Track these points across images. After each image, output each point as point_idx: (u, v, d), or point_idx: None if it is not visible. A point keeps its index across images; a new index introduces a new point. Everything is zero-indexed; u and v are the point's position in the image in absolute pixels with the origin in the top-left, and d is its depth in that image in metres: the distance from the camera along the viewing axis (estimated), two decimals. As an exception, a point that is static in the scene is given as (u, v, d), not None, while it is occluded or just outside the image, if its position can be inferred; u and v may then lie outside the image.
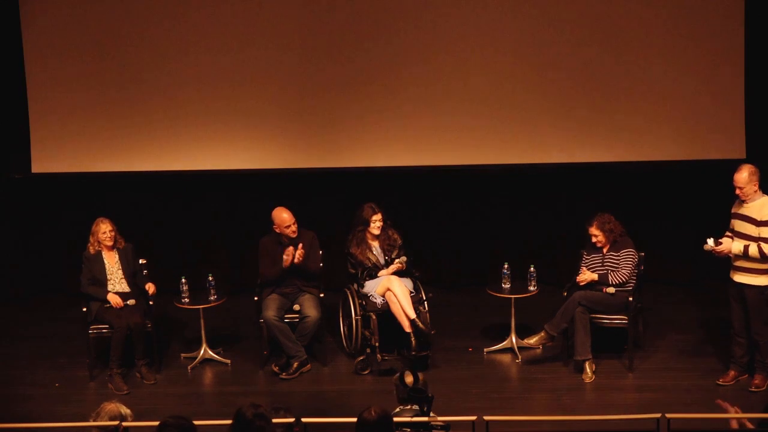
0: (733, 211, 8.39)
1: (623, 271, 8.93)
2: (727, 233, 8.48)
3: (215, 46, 10.28)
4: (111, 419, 6.17)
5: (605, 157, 10.38)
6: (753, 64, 10.14)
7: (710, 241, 8.32)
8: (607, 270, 8.97)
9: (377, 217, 9.27)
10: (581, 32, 10.18)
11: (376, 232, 9.29)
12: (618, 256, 8.98)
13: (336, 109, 10.38)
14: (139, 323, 9.01)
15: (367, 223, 9.28)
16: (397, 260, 9.30)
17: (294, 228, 9.15)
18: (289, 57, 10.30)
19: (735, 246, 8.23)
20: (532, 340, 9.06)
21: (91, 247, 9.12)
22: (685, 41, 10.16)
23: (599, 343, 9.40)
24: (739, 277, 8.32)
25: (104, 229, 9.08)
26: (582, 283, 8.97)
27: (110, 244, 9.11)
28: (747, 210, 8.23)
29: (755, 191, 8.19)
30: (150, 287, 9.14)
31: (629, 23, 10.15)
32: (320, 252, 9.37)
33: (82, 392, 8.81)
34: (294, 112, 10.40)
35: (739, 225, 8.29)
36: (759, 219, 8.17)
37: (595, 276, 8.95)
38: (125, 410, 6.22)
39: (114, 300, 8.99)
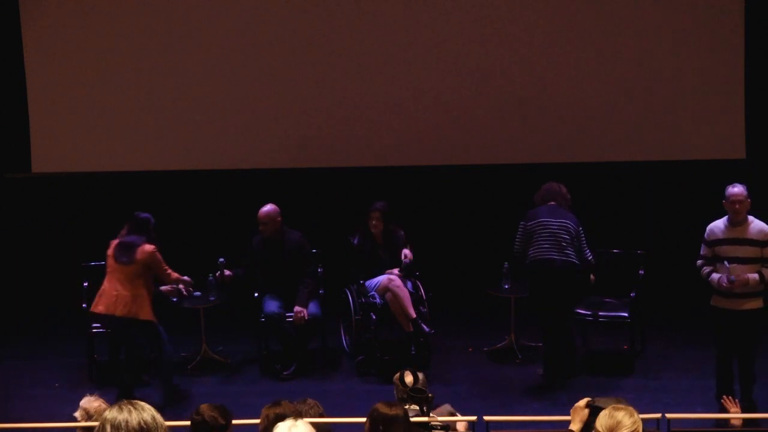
0: (719, 237, 7.87)
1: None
2: (704, 265, 7.96)
3: (217, 45, 10.28)
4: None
5: (605, 156, 10.38)
6: (753, 64, 10.13)
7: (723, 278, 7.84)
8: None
9: (375, 215, 9.30)
10: (581, 32, 10.18)
11: (373, 230, 9.32)
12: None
13: (336, 108, 10.38)
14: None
15: (369, 219, 9.31)
16: (405, 263, 9.30)
17: (262, 228, 9.19)
18: (292, 55, 10.29)
19: (752, 276, 7.73)
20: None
21: None
22: (685, 41, 10.16)
23: (599, 342, 9.42)
24: (731, 303, 7.86)
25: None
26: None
27: None
28: (740, 232, 7.80)
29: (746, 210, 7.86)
30: None
31: (629, 23, 10.15)
32: (310, 252, 9.39)
33: (82, 392, 8.78)
34: (295, 110, 10.39)
35: (733, 250, 7.81)
36: (762, 239, 7.77)
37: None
38: (104, 404, 6.22)
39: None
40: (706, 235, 7.97)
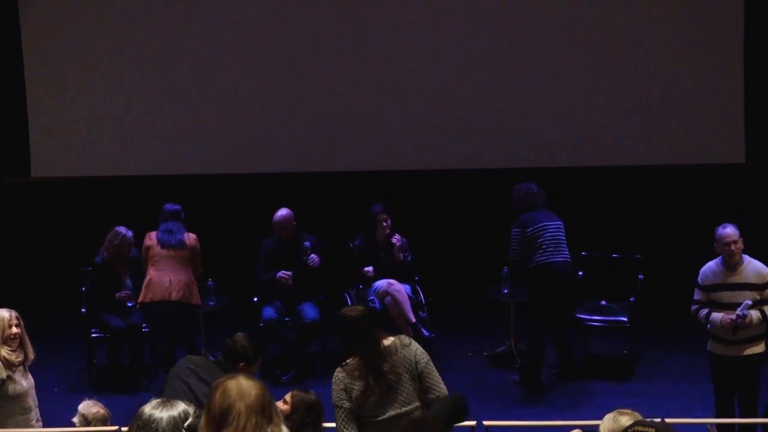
0: (714, 282, 7.39)
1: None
2: (701, 308, 7.45)
3: (216, 49, 10.28)
4: (103, 422, 6.16)
5: (605, 161, 10.37)
6: (753, 68, 10.12)
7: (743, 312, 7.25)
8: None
9: (382, 216, 9.29)
10: (581, 37, 10.18)
11: (383, 231, 9.29)
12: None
13: (337, 112, 10.38)
14: (138, 326, 9.00)
15: (375, 222, 9.29)
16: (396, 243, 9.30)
17: (280, 232, 9.15)
18: (291, 59, 10.30)
19: (755, 314, 7.26)
20: None
21: (106, 253, 8.95)
22: (685, 44, 10.16)
23: (599, 346, 9.40)
24: (732, 350, 7.42)
25: (129, 243, 8.91)
26: None
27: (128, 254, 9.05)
28: (736, 277, 7.33)
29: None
30: None
31: (629, 27, 10.14)
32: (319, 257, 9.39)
33: (81, 397, 8.76)
34: (295, 115, 10.39)
35: (730, 296, 7.34)
36: (760, 282, 7.32)
37: None
38: (103, 409, 6.22)
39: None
40: (699, 279, 7.49)
